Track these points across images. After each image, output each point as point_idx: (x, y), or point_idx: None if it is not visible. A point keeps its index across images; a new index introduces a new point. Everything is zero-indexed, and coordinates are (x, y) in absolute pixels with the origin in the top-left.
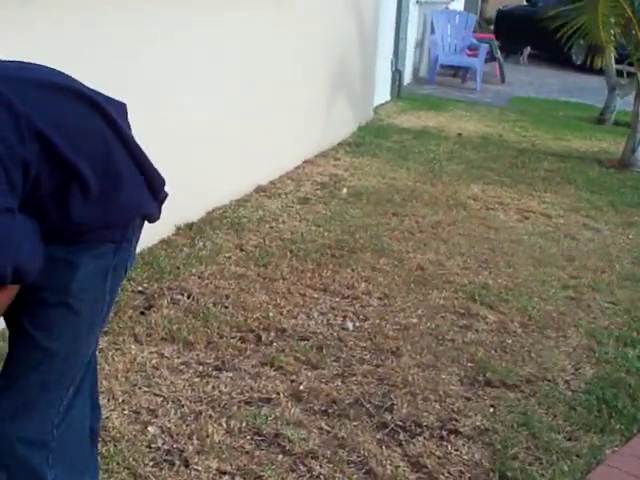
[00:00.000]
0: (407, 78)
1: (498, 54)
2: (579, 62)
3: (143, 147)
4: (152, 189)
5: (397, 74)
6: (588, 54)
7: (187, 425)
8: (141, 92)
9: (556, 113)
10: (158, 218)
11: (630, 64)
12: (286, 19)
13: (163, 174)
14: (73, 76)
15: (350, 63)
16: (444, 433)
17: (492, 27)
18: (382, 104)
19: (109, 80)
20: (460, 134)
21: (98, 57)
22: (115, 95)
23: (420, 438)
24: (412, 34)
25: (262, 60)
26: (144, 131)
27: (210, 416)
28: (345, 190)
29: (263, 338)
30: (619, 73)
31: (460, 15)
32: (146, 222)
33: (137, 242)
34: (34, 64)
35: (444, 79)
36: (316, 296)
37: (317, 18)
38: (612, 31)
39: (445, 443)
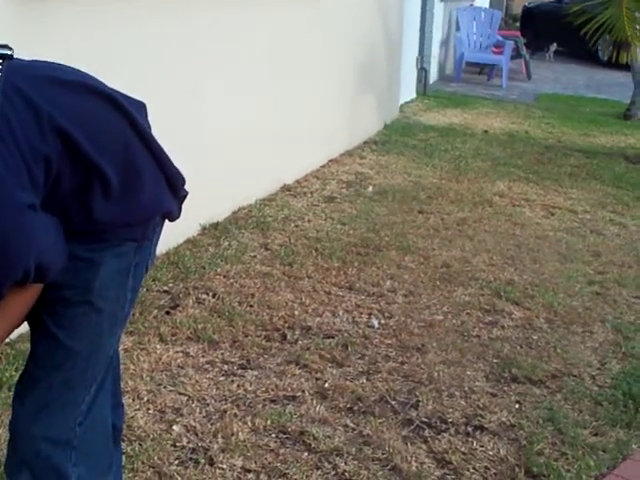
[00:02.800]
0: (433, 76)
1: (524, 51)
2: (605, 58)
3: (172, 146)
4: (172, 187)
5: (423, 72)
6: (614, 50)
7: (212, 424)
8: (169, 93)
9: (582, 109)
10: (178, 216)
11: None
12: (313, 18)
13: (189, 174)
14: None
15: (376, 62)
16: (469, 429)
17: (518, 24)
18: (408, 102)
19: (140, 82)
20: (486, 131)
21: (127, 59)
22: (148, 94)
23: (445, 434)
24: (437, 32)
25: (289, 60)
26: (172, 131)
27: (235, 414)
28: (371, 188)
29: (288, 336)
30: None
31: (485, 12)
32: (169, 222)
33: (158, 240)
34: (57, 64)
35: (470, 76)
36: (341, 294)
37: (343, 17)
38: (638, 26)
39: (470, 439)
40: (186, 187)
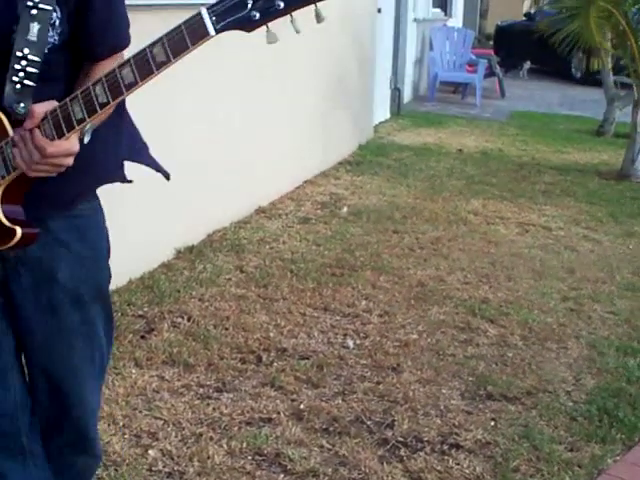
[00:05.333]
0: (407, 96)
1: (497, 69)
2: (579, 75)
3: (144, 171)
4: None
5: (396, 92)
6: (585, 61)
7: (188, 447)
8: (139, 116)
9: (556, 126)
10: None
11: (627, 75)
12: (283, 39)
13: (164, 198)
14: None
15: (349, 82)
16: (445, 448)
17: (491, 43)
18: (382, 122)
19: None
20: (460, 150)
21: None
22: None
23: (421, 453)
24: (411, 52)
25: (262, 82)
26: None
27: (211, 438)
28: (345, 209)
29: (264, 358)
30: (617, 85)
31: (458, 32)
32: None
33: None
34: None
35: (444, 96)
36: (316, 315)
37: (314, 38)
38: (606, 35)
39: (446, 458)
40: (160, 211)
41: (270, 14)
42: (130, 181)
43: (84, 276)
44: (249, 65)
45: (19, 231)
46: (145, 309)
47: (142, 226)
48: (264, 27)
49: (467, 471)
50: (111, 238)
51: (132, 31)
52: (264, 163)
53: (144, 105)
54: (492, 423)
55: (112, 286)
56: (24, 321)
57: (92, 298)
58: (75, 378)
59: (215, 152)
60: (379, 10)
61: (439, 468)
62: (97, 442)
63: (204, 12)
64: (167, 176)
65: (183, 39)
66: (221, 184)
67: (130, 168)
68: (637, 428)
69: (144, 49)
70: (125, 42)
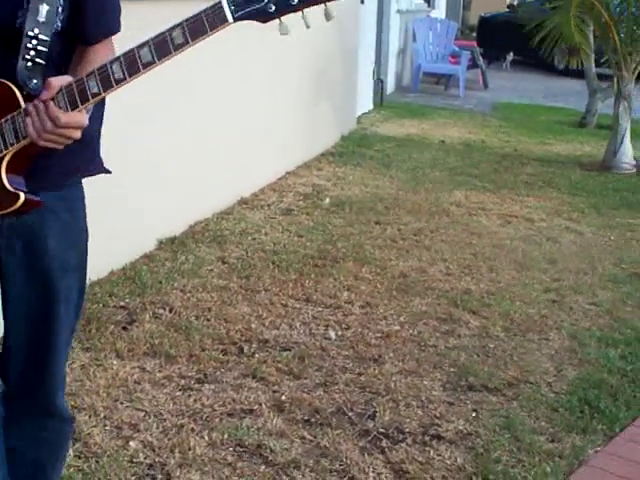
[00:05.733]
0: (390, 87)
1: (480, 61)
2: (561, 67)
3: (126, 162)
4: None
5: (379, 83)
6: (569, 58)
7: (169, 439)
8: (120, 107)
9: (539, 118)
10: None
11: (609, 67)
12: (266, 29)
13: (146, 189)
14: None
15: (332, 73)
16: (426, 439)
17: (474, 34)
18: (365, 113)
19: None
20: (443, 141)
21: None
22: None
23: (402, 444)
24: (394, 43)
25: (244, 72)
26: (126, 146)
27: (192, 429)
28: (328, 200)
29: (245, 350)
30: (600, 76)
31: (441, 23)
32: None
33: None
34: None
35: (427, 87)
36: (298, 306)
37: (297, 28)
38: (588, 33)
39: (427, 449)
40: (142, 201)
41: (285, 7)
42: (109, 171)
43: (71, 243)
44: (232, 55)
45: (22, 196)
46: (127, 300)
47: (124, 217)
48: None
49: (448, 462)
50: (93, 229)
51: (130, 22)
52: (246, 154)
53: (125, 94)
54: (473, 414)
55: (94, 277)
56: (14, 288)
57: (74, 266)
58: (54, 345)
59: (197, 143)
60: (362, 1)
61: (420, 459)
62: (65, 407)
63: (224, 1)
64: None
65: (203, 24)
66: (203, 175)
67: (115, 160)
68: (618, 419)
69: (163, 32)
70: (117, 28)
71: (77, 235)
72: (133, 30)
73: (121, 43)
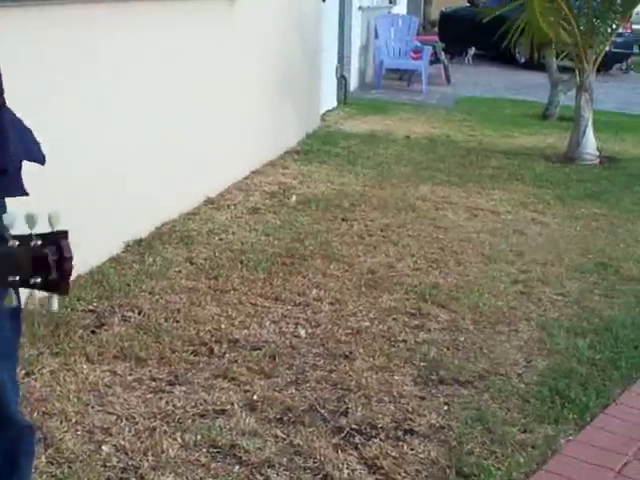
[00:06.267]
0: (353, 84)
1: (442, 56)
2: (523, 60)
3: (91, 164)
4: None
5: (342, 80)
6: (533, 50)
7: (142, 442)
8: (83, 109)
9: (502, 111)
10: None
11: (570, 60)
12: (228, 28)
13: (110, 191)
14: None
15: (295, 71)
16: (399, 433)
17: (436, 29)
18: (329, 111)
19: (53, 97)
20: (408, 136)
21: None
22: (61, 111)
23: (376, 440)
24: (356, 40)
25: (206, 72)
26: (90, 148)
27: (165, 431)
28: (294, 198)
29: (215, 350)
30: (561, 69)
31: (403, 19)
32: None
33: None
34: None
35: (390, 83)
36: (267, 305)
37: (258, 27)
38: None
39: (401, 443)
40: (107, 204)
41: None
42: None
43: None
44: (196, 54)
45: None
46: (95, 304)
47: (89, 219)
48: None
49: (422, 456)
50: None
51: None
52: (211, 154)
53: (89, 95)
54: (445, 407)
55: None
56: None
57: None
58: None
59: (161, 145)
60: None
61: (394, 454)
62: (20, 417)
63: None
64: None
65: None
66: (168, 176)
67: (78, 162)
68: (589, 408)
69: None
70: None
71: None
72: None
73: None
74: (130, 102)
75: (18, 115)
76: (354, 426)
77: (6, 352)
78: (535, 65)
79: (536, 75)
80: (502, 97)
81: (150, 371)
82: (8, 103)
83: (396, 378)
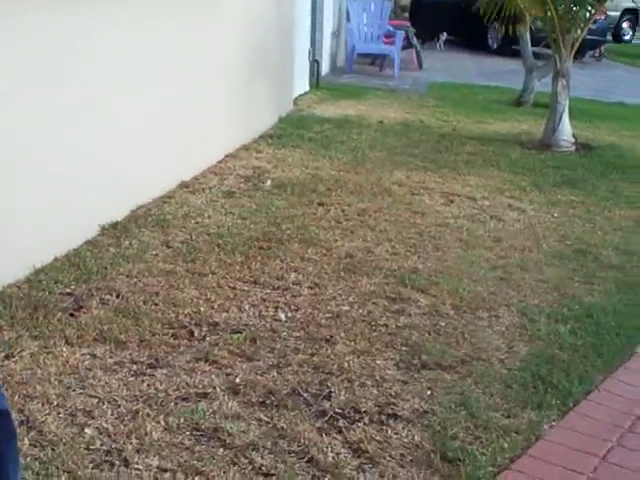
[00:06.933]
0: (325, 68)
1: (414, 41)
2: (495, 46)
3: (64, 146)
4: None
5: (315, 64)
6: (502, 37)
7: (125, 425)
8: (56, 94)
9: (475, 97)
10: None
11: (546, 46)
12: (201, 12)
13: (84, 174)
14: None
15: (268, 54)
16: (383, 418)
17: (407, 14)
18: (301, 95)
19: (35, 84)
20: (381, 122)
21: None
22: (38, 98)
23: (359, 424)
24: (328, 24)
25: (178, 54)
26: (66, 133)
27: (147, 414)
28: (269, 182)
29: (196, 333)
30: (535, 55)
31: (375, 3)
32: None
33: None
34: None
35: (362, 67)
36: (246, 289)
37: (234, 10)
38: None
39: (385, 428)
40: (82, 187)
41: None
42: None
43: None
44: (168, 36)
45: None
46: (72, 287)
47: (64, 202)
48: None
49: (406, 440)
50: (33, 215)
51: None
52: (186, 137)
53: (66, 75)
54: (428, 392)
55: (37, 264)
56: None
57: None
58: None
59: (136, 128)
60: None
61: (378, 438)
62: None
63: None
64: None
65: None
66: (142, 160)
67: (51, 145)
68: (571, 393)
69: None
70: None
71: None
72: None
73: None
74: (106, 86)
75: None
76: (337, 410)
77: None
78: (507, 51)
79: (508, 61)
80: (474, 83)
81: (130, 354)
82: None
83: (378, 362)
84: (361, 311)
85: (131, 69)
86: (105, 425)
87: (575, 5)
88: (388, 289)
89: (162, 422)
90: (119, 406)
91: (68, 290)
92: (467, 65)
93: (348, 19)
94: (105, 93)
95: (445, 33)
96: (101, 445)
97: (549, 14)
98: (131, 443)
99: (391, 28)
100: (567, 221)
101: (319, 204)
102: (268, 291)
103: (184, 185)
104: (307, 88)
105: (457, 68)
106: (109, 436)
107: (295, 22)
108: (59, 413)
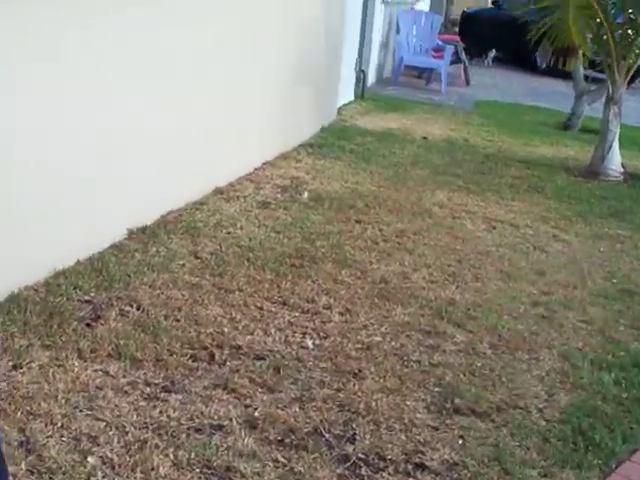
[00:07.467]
0: (370, 78)
1: (463, 56)
2: (543, 66)
3: (97, 146)
4: None
5: (361, 74)
6: (552, 58)
7: (131, 455)
8: (95, 92)
9: (522, 118)
10: None
11: (599, 70)
12: (248, 16)
13: (115, 175)
14: None
15: (315, 62)
16: (410, 468)
17: (456, 29)
18: (345, 104)
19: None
20: (425, 137)
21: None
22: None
23: (384, 473)
24: (377, 34)
25: (221, 58)
26: (97, 130)
27: (156, 445)
28: (306, 194)
29: (216, 356)
30: (586, 78)
31: (426, 16)
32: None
33: None
34: None
35: (408, 80)
36: (274, 310)
37: (283, 14)
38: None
39: (411, 479)
40: (111, 187)
41: None
42: None
43: None
44: (211, 40)
45: None
46: (92, 294)
47: (92, 203)
48: None
49: None
50: (58, 215)
51: None
52: (222, 142)
53: (98, 80)
54: (460, 441)
55: (58, 266)
56: None
57: None
58: None
59: (171, 130)
60: None
61: None
62: None
63: None
64: None
65: None
66: (177, 162)
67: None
68: (614, 453)
69: None
70: None
71: None
72: None
73: None
74: (138, 85)
75: None
76: (361, 455)
77: None
78: (555, 72)
79: (556, 82)
80: (521, 103)
81: (145, 374)
82: None
83: (408, 403)
84: (393, 344)
85: (171, 70)
86: (109, 455)
87: (633, 30)
88: (423, 321)
89: (171, 456)
90: (127, 433)
91: (87, 297)
92: (514, 84)
93: (398, 31)
94: (139, 92)
95: (494, 50)
96: (103, 477)
97: (605, 38)
98: (135, 477)
99: (440, 42)
100: (614, 257)
101: (356, 221)
102: (297, 314)
103: (218, 191)
104: (352, 98)
105: (504, 86)
106: (112, 467)
107: (345, 30)
108: (62, 436)
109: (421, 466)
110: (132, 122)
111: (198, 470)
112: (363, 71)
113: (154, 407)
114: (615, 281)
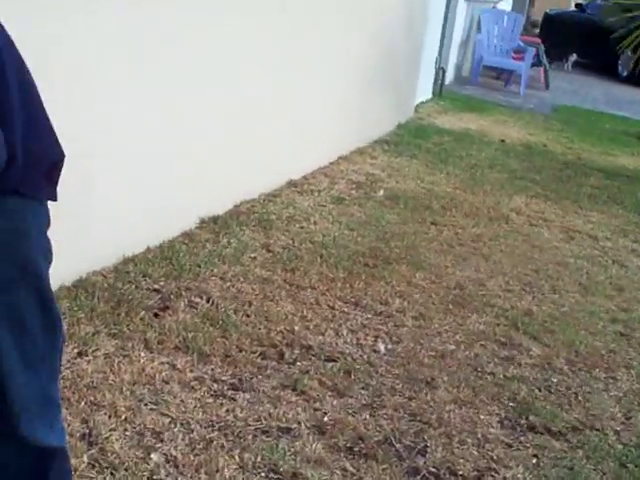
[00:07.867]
0: (449, 77)
1: (544, 59)
2: (625, 74)
3: (172, 133)
4: None
5: (440, 72)
6: (636, 66)
7: (195, 455)
8: (172, 83)
9: (602, 126)
10: None
11: None
12: (330, 8)
13: (190, 163)
14: None
15: (395, 57)
16: None
17: (536, 30)
18: (423, 102)
19: (139, 67)
20: (503, 140)
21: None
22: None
23: None
24: (458, 31)
25: (300, 51)
26: (172, 119)
27: (222, 446)
28: (381, 192)
29: (286, 355)
30: None
31: (509, 16)
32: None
33: None
34: None
35: (486, 80)
36: (346, 310)
37: (364, 10)
38: None
39: None
40: (187, 177)
41: None
42: None
43: None
44: (285, 31)
45: None
46: (161, 283)
47: (164, 190)
48: None
49: None
50: (130, 201)
51: None
52: (297, 134)
53: (169, 70)
54: (534, 460)
55: (128, 253)
56: None
57: None
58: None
59: (246, 119)
60: None
61: None
62: (42, 436)
63: None
64: None
65: None
66: (251, 152)
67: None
68: None
69: None
70: None
71: None
72: None
73: None
74: (216, 75)
75: None
76: (432, 469)
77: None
78: (638, 81)
79: (638, 91)
80: (602, 110)
81: (213, 370)
82: None
83: (481, 417)
84: (467, 353)
85: (248, 59)
86: (174, 452)
87: None
88: (499, 331)
89: (237, 457)
90: (192, 431)
91: (156, 286)
92: (595, 90)
93: (479, 30)
94: (218, 80)
95: (575, 54)
96: (166, 476)
97: None
98: (199, 478)
99: (521, 43)
100: None
101: (432, 223)
102: (369, 316)
103: (292, 184)
104: (430, 96)
105: (584, 92)
106: (176, 466)
107: (427, 27)
108: (126, 430)
109: None
110: (209, 112)
111: (264, 474)
112: (443, 69)
113: (221, 405)
114: None
